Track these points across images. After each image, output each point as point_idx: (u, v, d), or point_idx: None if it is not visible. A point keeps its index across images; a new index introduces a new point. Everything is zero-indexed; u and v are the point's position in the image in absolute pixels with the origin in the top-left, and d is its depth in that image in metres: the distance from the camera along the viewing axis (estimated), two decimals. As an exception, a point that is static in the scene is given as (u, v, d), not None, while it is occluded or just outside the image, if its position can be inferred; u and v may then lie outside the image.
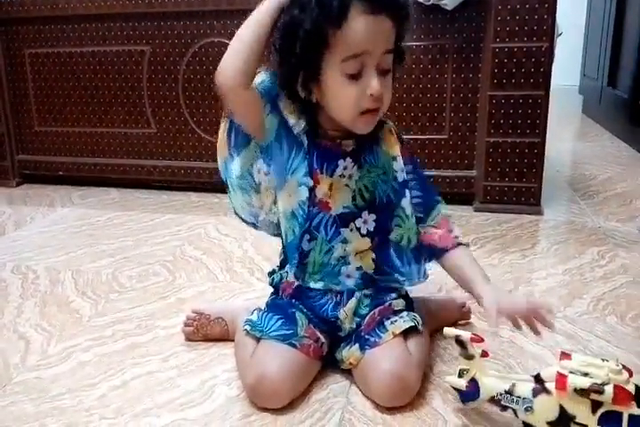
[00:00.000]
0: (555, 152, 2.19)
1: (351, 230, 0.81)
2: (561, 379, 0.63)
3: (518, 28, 1.47)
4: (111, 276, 1.20)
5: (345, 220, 0.81)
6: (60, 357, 0.89)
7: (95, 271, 1.22)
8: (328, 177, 0.79)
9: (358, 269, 0.82)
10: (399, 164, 0.81)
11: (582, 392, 0.61)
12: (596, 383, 0.60)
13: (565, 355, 0.65)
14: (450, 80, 1.57)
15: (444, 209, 0.84)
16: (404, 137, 0.86)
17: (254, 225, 0.88)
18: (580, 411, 0.62)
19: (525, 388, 0.66)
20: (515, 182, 1.55)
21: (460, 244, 0.82)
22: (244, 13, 1.72)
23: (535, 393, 0.65)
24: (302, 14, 0.69)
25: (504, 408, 0.68)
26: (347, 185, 0.80)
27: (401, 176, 0.81)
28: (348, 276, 0.82)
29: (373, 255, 0.83)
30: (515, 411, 0.67)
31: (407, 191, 0.81)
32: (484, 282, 0.77)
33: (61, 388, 0.81)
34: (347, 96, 0.72)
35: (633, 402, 0.60)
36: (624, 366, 0.62)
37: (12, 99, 1.96)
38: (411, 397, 0.76)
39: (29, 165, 1.99)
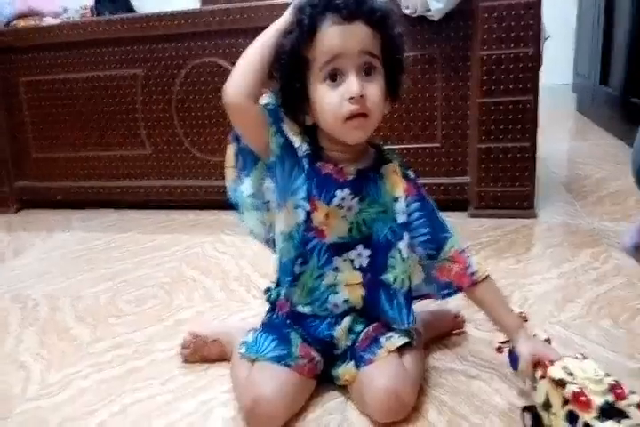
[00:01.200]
0: (549, 152, 2.19)
1: (344, 260, 0.81)
2: (544, 367, 0.68)
3: (505, 34, 1.48)
4: (110, 300, 1.21)
5: (339, 249, 0.81)
6: (59, 385, 0.90)
7: (94, 297, 1.24)
8: (325, 205, 0.78)
9: (346, 301, 0.82)
10: (400, 205, 0.80)
11: (553, 382, 0.65)
12: (565, 380, 0.63)
13: (583, 357, 0.68)
14: (440, 89, 1.58)
15: (457, 244, 0.81)
16: (411, 173, 0.84)
17: (268, 242, 0.88)
18: (555, 402, 0.66)
19: (539, 371, 0.70)
20: (508, 187, 1.56)
21: (476, 282, 0.79)
22: (234, 33, 1.75)
23: (539, 377, 0.70)
24: (285, 39, 0.73)
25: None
26: (344, 217, 0.80)
27: (401, 218, 0.80)
28: (336, 305, 0.82)
29: (363, 292, 0.82)
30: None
31: (406, 234, 0.80)
32: (515, 328, 0.78)
33: (61, 417, 0.82)
34: (328, 104, 0.73)
35: (592, 411, 0.60)
36: (619, 386, 0.62)
37: (8, 126, 1.99)
38: (407, 412, 0.76)
39: (28, 192, 2.02)
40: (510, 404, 0.78)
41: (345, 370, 0.81)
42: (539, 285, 1.14)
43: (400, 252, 0.80)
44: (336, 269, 0.81)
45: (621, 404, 0.61)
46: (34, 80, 1.93)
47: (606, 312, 1.01)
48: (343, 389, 0.82)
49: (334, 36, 0.71)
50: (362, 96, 0.71)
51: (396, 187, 0.81)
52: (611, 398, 0.61)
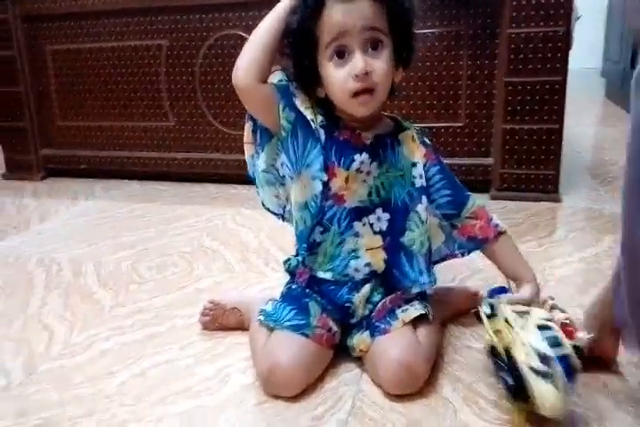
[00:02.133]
0: (575, 136, 2.15)
1: (364, 225, 0.83)
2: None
3: (534, 12, 1.44)
4: (131, 267, 1.23)
5: (359, 214, 0.82)
6: (82, 346, 0.92)
7: (116, 262, 1.26)
8: (344, 170, 0.80)
9: (367, 265, 0.83)
10: (418, 170, 0.84)
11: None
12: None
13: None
14: (465, 67, 1.56)
15: (477, 201, 0.87)
16: (426, 138, 0.88)
17: (282, 217, 0.91)
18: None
19: None
20: (532, 170, 1.54)
21: (500, 233, 0.85)
22: (258, 5, 1.73)
23: None
24: (293, 17, 0.74)
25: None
26: (364, 181, 0.81)
27: (419, 182, 0.83)
28: (357, 270, 0.83)
29: (384, 255, 0.84)
30: None
31: (424, 198, 0.84)
32: (528, 279, 0.83)
33: (83, 376, 0.84)
34: (335, 80, 0.75)
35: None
36: (569, 324, 0.70)
37: (35, 95, 2.01)
38: (419, 385, 0.77)
39: (53, 160, 2.05)
40: (526, 382, 0.78)
41: (360, 340, 0.82)
42: (560, 268, 1.13)
43: (419, 215, 0.83)
44: (356, 235, 0.82)
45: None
46: (60, 49, 1.94)
47: (627, 297, 1.00)
48: (359, 361, 0.83)
49: (338, 15, 0.72)
50: (367, 73, 0.73)
51: (414, 152, 0.84)
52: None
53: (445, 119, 1.60)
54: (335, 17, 0.72)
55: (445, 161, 0.89)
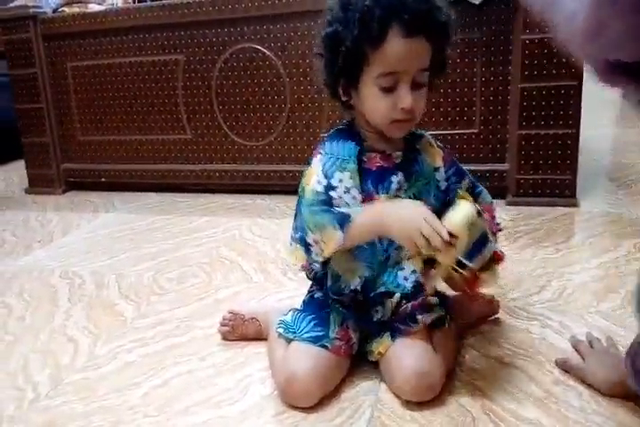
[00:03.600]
0: (592, 139, 2.13)
1: None
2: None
3: (547, 17, 1.44)
4: (152, 278, 1.25)
5: None
6: (106, 358, 0.94)
7: (137, 274, 1.28)
8: (385, 194, 0.81)
9: (413, 272, 0.83)
10: (441, 173, 0.86)
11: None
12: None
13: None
14: (479, 74, 1.56)
15: (487, 197, 0.89)
16: (437, 140, 0.90)
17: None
18: None
19: None
20: (548, 175, 1.53)
21: (499, 230, 0.89)
22: (272, 19, 1.75)
23: None
24: (345, 31, 0.73)
25: None
26: (398, 196, 0.82)
27: (443, 185, 0.86)
28: (406, 278, 0.83)
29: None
30: None
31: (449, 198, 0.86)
32: None
33: (108, 387, 0.86)
34: (379, 108, 0.76)
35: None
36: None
37: (56, 110, 2.06)
38: (434, 393, 0.77)
39: (74, 174, 2.09)
40: (546, 392, 0.78)
41: (379, 342, 0.83)
42: (578, 274, 1.13)
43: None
44: (398, 248, 0.82)
45: None
46: (80, 65, 1.99)
47: (647, 303, 0.99)
48: (377, 369, 0.84)
49: (401, 53, 0.72)
50: (412, 108, 0.75)
51: (435, 158, 0.86)
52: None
53: (460, 126, 1.61)
54: (396, 53, 0.72)
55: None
